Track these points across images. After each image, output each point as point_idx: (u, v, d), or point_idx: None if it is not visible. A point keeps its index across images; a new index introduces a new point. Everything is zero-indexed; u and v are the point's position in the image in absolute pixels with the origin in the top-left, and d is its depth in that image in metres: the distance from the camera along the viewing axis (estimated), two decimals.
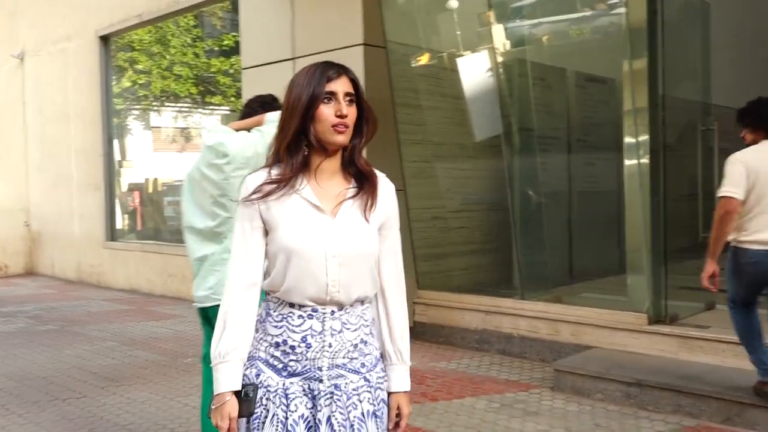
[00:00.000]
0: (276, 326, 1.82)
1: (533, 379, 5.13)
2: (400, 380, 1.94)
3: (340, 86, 1.78)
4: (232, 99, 10.51)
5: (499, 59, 6.81)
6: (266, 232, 1.83)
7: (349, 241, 1.79)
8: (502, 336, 5.87)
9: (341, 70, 1.81)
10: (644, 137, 5.25)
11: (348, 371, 1.82)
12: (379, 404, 1.86)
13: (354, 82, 1.81)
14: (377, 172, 1.90)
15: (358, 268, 1.80)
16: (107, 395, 4.95)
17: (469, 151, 7.31)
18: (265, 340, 1.83)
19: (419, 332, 6.41)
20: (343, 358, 1.81)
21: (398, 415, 1.92)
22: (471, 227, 7.21)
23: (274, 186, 1.78)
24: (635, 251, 5.35)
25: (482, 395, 4.73)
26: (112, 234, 10.84)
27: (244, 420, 1.82)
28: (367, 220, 1.82)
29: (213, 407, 1.79)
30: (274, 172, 1.80)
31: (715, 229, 3.95)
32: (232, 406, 1.79)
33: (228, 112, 11.36)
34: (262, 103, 3.40)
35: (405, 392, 1.93)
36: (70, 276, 11.44)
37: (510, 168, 6.52)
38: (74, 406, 4.71)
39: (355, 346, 1.83)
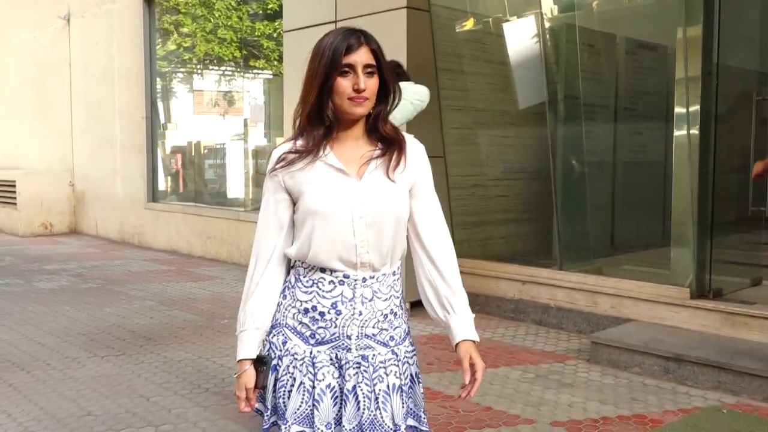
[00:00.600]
0: (306, 292, 1.81)
1: (569, 350, 5.09)
2: (466, 328, 1.89)
3: (359, 57, 1.73)
4: (276, 63, 10.47)
5: (546, 24, 6.66)
6: (293, 203, 1.83)
7: (375, 202, 1.77)
8: (538, 306, 5.83)
9: (362, 39, 1.75)
10: (695, 107, 5.09)
11: (376, 342, 1.80)
12: (406, 379, 1.84)
13: (375, 53, 1.76)
14: (405, 135, 1.87)
15: (385, 229, 1.78)
16: (145, 354, 5.05)
17: (512, 118, 7.21)
18: (294, 307, 1.82)
19: None
20: (373, 327, 1.80)
21: (472, 366, 1.86)
22: (511, 196, 7.14)
23: (297, 156, 1.77)
24: (681, 224, 5.23)
25: (516, 365, 4.71)
26: (154, 195, 10.99)
27: (271, 388, 1.83)
28: (393, 180, 1.79)
29: (234, 376, 1.84)
30: (299, 143, 1.79)
31: None
32: (249, 377, 1.82)
33: (271, 76, 11.34)
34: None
35: (473, 341, 1.88)
36: (112, 236, 11.66)
37: (553, 136, 6.41)
38: (113, 364, 4.82)
39: (385, 316, 1.82)
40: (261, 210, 1.85)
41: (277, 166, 1.79)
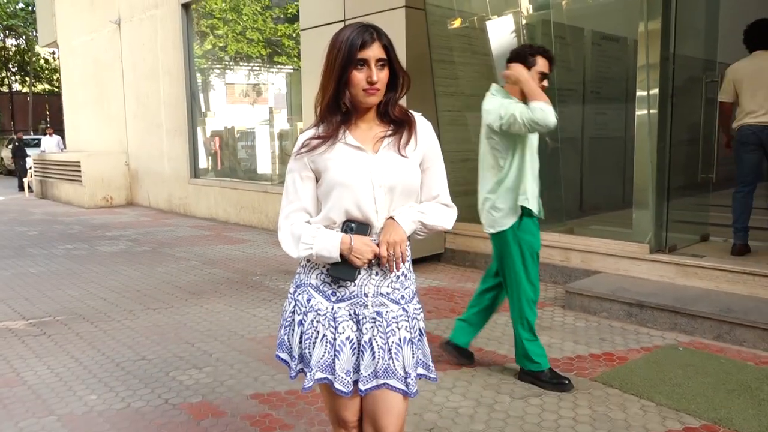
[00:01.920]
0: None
1: (547, 299, 4.99)
2: (399, 213, 1.73)
3: (372, 52, 1.65)
4: (295, 59, 10.32)
5: (524, 21, 6.49)
6: (316, 180, 1.75)
7: (391, 172, 1.70)
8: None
9: (375, 35, 1.67)
10: (654, 90, 4.94)
11: (389, 300, 1.74)
12: (415, 333, 1.78)
13: (386, 47, 1.67)
14: (414, 114, 1.80)
15: (400, 196, 1.72)
16: (190, 306, 4.98)
17: None
18: (317, 268, 1.76)
19: (449, 257, 6.32)
20: (387, 287, 1.73)
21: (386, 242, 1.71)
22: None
23: (319, 141, 1.71)
24: (641, 190, 5.10)
25: (503, 312, 4.59)
26: (195, 172, 10.89)
27: (297, 339, 1.75)
28: (405, 155, 1.73)
29: (346, 255, 1.66)
30: (321, 129, 1.72)
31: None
32: (360, 238, 1.67)
33: (291, 71, 11.17)
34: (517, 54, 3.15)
35: (394, 220, 1.71)
36: (162, 206, 11.57)
37: None
38: (163, 315, 4.76)
39: (397, 277, 1.76)
40: (287, 185, 1.77)
41: (302, 150, 1.72)
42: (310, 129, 1.76)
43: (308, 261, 1.78)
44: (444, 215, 1.80)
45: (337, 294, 1.72)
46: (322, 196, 1.74)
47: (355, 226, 1.67)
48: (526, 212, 3.17)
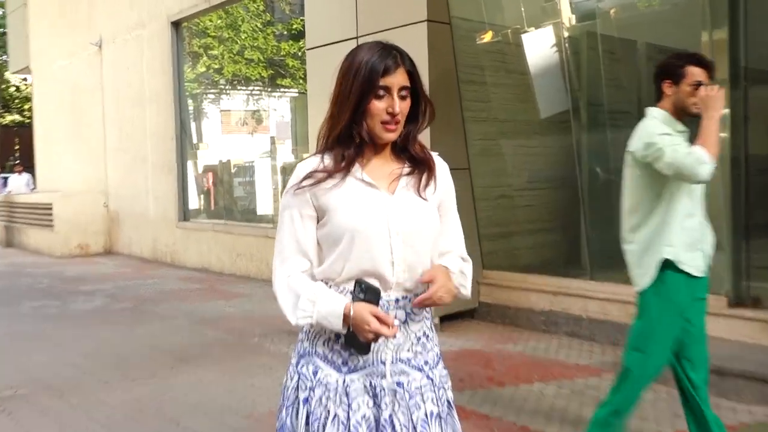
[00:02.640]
0: None
1: (604, 363, 4.86)
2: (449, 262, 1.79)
3: (395, 80, 1.67)
4: (301, 81, 10.42)
5: (566, 33, 6.51)
6: (317, 221, 1.74)
7: (411, 217, 1.72)
8: (570, 318, 5.62)
9: (399, 59, 1.69)
10: (724, 110, 4.84)
11: (411, 367, 1.73)
12: (443, 405, 1.75)
13: (410, 73, 1.70)
14: (430, 152, 1.82)
15: (421, 247, 1.73)
16: (176, 375, 4.93)
17: (535, 127, 7.05)
18: (323, 334, 1.74)
19: (484, 313, 6.23)
20: (408, 351, 1.73)
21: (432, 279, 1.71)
22: (538, 205, 6.98)
23: (325, 174, 1.70)
24: (713, 228, 4.96)
25: (551, 380, 4.50)
26: (185, 214, 10.97)
27: (303, 421, 1.71)
28: (425, 198, 1.75)
29: (351, 328, 1.64)
30: (327, 160, 1.72)
31: None
32: (363, 307, 1.63)
33: (296, 94, 11.28)
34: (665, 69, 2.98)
35: (448, 269, 1.75)
36: (145, 254, 11.64)
37: (578, 144, 6.25)
38: (144, 386, 4.69)
39: (419, 339, 1.76)
40: (282, 224, 1.75)
41: (304, 183, 1.70)
42: (312, 158, 1.75)
43: (312, 325, 1.73)
44: (469, 270, 1.84)
45: (350, 363, 1.70)
46: (326, 242, 1.72)
47: (365, 288, 1.64)
48: (673, 267, 2.95)
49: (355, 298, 1.64)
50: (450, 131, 6.05)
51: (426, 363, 1.75)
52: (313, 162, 1.73)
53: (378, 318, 1.60)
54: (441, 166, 1.82)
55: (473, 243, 6.07)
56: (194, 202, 11.29)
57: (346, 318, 1.63)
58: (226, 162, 11.05)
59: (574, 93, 6.33)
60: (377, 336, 1.61)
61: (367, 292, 1.64)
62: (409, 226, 1.70)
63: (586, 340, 5.47)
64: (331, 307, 1.64)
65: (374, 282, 1.68)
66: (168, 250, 11.06)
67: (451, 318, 6.09)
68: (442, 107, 5.90)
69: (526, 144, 7.02)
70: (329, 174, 1.69)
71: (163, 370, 5.05)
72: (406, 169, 1.76)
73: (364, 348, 1.66)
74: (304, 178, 1.70)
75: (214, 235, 10.03)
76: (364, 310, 1.61)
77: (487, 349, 5.31)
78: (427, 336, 1.78)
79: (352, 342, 1.66)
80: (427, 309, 1.78)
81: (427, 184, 1.75)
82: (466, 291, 1.80)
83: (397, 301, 1.71)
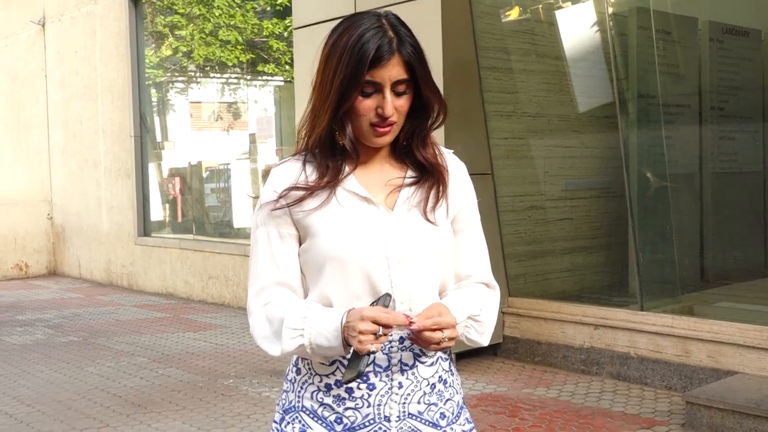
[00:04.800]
0: (324, 363, 1.70)
1: (658, 412, 4.85)
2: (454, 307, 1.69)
3: (388, 73, 1.60)
4: (287, 67, 10.45)
5: (610, 9, 6.52)
6: (300, 242, 1.72)
7: (416, 242, 1.68)
8: (615, 356, 5.62)
9: (395, 45, 1.61)
10: None
11: (424, 424, 1.71)
12: None
13: (409, 64, 1.62)
14: (444, 152, 1.78)
15: (430, 276, 1.70)
16: (132, 425, 4.91)
17: (573, 124, 7.10)
18: (311, 383, 1.72)
19: (510, 350, 6.23)
20: (418, 403, 1.70)
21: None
22: (576, 219, 7.01)
23: (307, 192, 1.67)
24: None
25: None
26: (146, 228, 10.99)
27: None
28: (434, 222, 1.70)
29: (346, 336, 1.57)
30: (309, 169, 1.70)
31: None
32: (359, 309, 1.57)
33: (282, 83, 11.32)
34: None
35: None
36: (97, 277, 11.66)
37: (626, 144, 6.24)
38: None
39: (433, 386, 1.73)
40: (256, 247, 1.73)
41: (281, 203, 1.68)
42: (291, 164, 1.73)
43: (299, 371, 1.75)
44: (493, 305, 1.80)
45: (345, 420, 1.68)
46: (308, 271, 1.71)
47: (377, 301, 1.61)
48: None
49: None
50: (469, 129, 6.04)
51: (443, 416, 1.73)
52: (292, 171, 1.71)
53: (378, 322, 1.53)
54: (457, 169, 1.79)
55: (497, 264, 6.01)
56: (157, 213, 11.31)
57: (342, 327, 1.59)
58: (196, 164, 11.06)
59: (621, 82, 6.31)
60: (373, 340, 1.54)
61: (378, 302, 1.61)
62: (414, 252, 1.67)
63: (634, 383, 5.46)
64: (326, 319, 1.60)
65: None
66: (125, 272, 11.07)
67: (470, 355, 6.07)
68: (458, 100, 5.96)
69: (561, 144, 7.03)
70: (311, 190, 1.67)
71: (117, 418, 5.03)
72: (409, 179, 1.72)
73: (353, 367, 1.56)
74: (282, 196, 1.68)
75: (181, 253, 10.04)
76: (359, 310, 1.56)
77: (514, 394, 5.29)
78: (445, 382, 1.75)
79: (350, 366, 1.59)
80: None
81: (436, 203, 1.71)
82: (481, 338, 1.75)
83: (401, 341, 1.67)
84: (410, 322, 1.56)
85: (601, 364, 5.70)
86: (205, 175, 11.05)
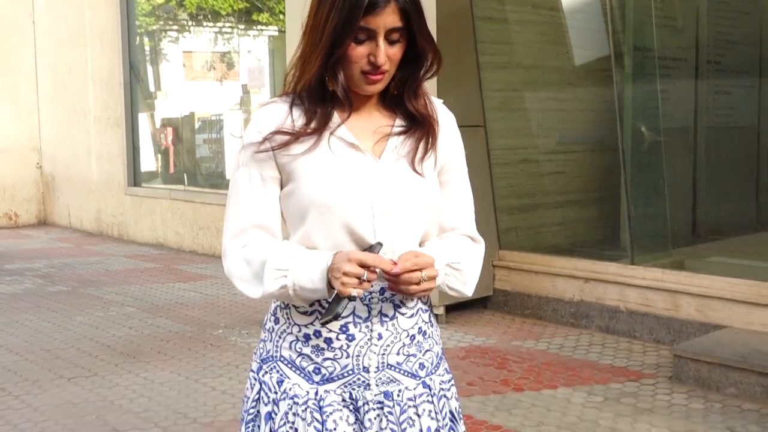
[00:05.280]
0: (305, 312, 1.70)
1: (645, 365, 4.89)
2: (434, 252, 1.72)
3: (383, 20, 1.59)
4: (281, 17, 10.33)
5: None
6: (281, 186, 1.71)
7: (402, 190, 1.68)
8: (605, 309, 5.67)
9: None
10: None
11: (403, 374, 1.72)
12: (444, 419, 1.76)
13: (404, 11, 1.61)
14: (433, 100, 1.77)
15: (414, 227, 1.70)
16: (121, 374, 4.94)
17: (568, 76, 7.08)
18: (290, 333, 1.73)
19: (500, 303, 6.27)
20: (398, 354, 1.72)
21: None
22: (569, 172, 7.02)
23: (292, 137, 1.66)
24: None
25: (580, 385, 4.53)
26: (136, 178, 10.96)
27: None
28: (421, 173, 1.70)
29: (330, 278, 1.57)
30: (296, 114, 1.68)
31: None
32: (346, 252, 1.58)
33: (276, 33, 11.23)
34: None
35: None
36: (88, 227, 11.65)
37: (621, 98, 6.22)
38: (81, 387, 4.70)
39: (412, 337, 1.74)
40: (236, 187, 1.73)
41: (266, 146, 1.67)
42: (277, 105, 1.71)
43: (277, 321, 1.75)
44: (476, 257, 1.82)
45: (323, 371, 1.69)
46: (290, 217, 1.72)
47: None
48: None
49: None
50: (462, 80, 6.01)
51: (422, 367, 1.74)
52: (278, 113, 1.69)
53: (364, 265, 1.54)
54: (446, 119, 1.78)
55: (488, 218, 6.09)
56: (148, 163, 11.26)
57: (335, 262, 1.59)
58: (188, 115, 11.01)
59: (617, 35, 6.31)
60: (357, 283, 1.54)
61: (367, 250, 1.62)
62: (400, 202, 1.67)
63: (623, 336, 5.50)
64: (313, 260, 1.60)
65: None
66: (115, 222, 11.06)
67: (459, 308, 6.11)
68: (452, 51, 5.89)
69: (556, 97, 7.02)
70: (298, 137, 1.66)
71: (106, 368, 5.05)
72: (398, 128, 1.72)
73: (332, 308, 1.57)
74: (267, 139, 1.67)
75: (172, 204, 10.03)
76: (346, 253, 1.57)
77: (503, 347, 5.33)
78: (424, 333, 1.76)
79: (330, 307, 1.59)
80: (423, 299, 1.76)
81: (425, 154, 1.71)
82: (464, 287, 1.77)
83: (382, 291, 1.68)
84: (394, 264, 1.57)
85: (591, 317, 5.75)
86: (197, 125, 11.02)
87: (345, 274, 1.53)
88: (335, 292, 1.56)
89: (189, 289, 7.45)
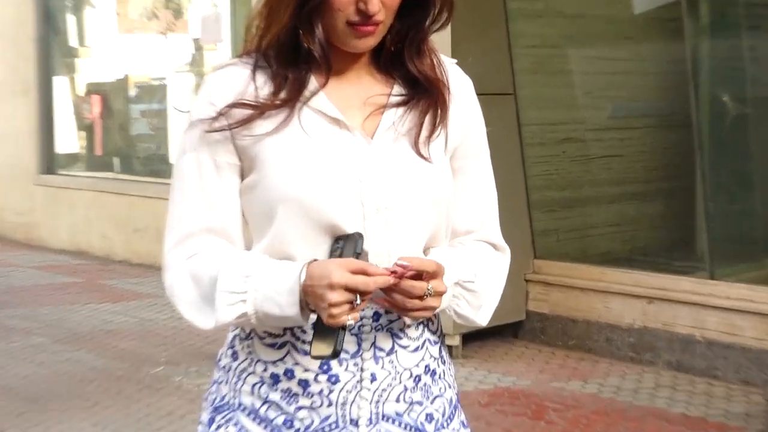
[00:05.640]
0: (272, 345, 1.70)
1: (730, 415, 4.90)
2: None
3: None
4: None
5: None
6: (242, 176, 1.71)
7: (403, 181, 1.68)
8: (676, 339, 5.68)
9: None
10: None
11: (404, 429, 1.73)
12: None
13: None
14: (444, 60, 1.75)
15: (418, 230, 1.71)
16: (25, 427, 4.92)
17: (625, 28, 7.15)
18: (253, 372, 1.72)
19: (535, 330, 6.28)
20: (397, 401, 1.72)
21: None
22: (627, 155, 7.06)
23: (259, 112, 1.66)
24: None
25: None
26: (50, 163, 11.01)
27: None
28: (427, 158, 1.69)
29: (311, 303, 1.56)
30: (260, 79, 1.69)
31: None
32: (325, 262, 1.57)
33: None
34: None
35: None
36: None
37: (695, 57, 6.27)
38: None
39: (417, 379, 1.74)
40: (180, 180, 1.73)
41: (221, 123, 1.66)
42: (235, 68, 1.71)
43: (235, 356, 1.75)
44: (497, 272, 1.82)
45: (296, 423, 1.69)
46: (254, 215, 1.72)
47: (343, 242, 1.62)
48: None
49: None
50: (484, 34, 6.01)
51: (430, 419, 1.76)
52: (236, 80, 1.69)
53: (354, 290, 1.51)
54: (460, 85, 1.78)
55: (518, 217, 6.05)
56: (67, 143, 11.34)
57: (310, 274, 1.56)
58: (121, 79, 11.11)
59: None
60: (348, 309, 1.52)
61: (346, 246, 1.60)
62: (399, 197, 1.68)
63: (700, 375, 5.52)
64: (278, 277, 1.58)
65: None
66: (21, 222, 11.09)
67: (481, 338, 6.10)
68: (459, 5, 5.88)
69: (608, 55, 7.08)
70: (264, 111, 1.66)
71: (5, 419, 5.03)
72: (396, 98, 1.72)
73: (324, 338, 1.55)
74: (222, 114, 1.66)
75: (98, 197, 10.07)
76: (324, 269, 1.53)
77: (540, 390, 5.35)
78: (433, 372, 1.77)
79: (319, 338, 1.58)
80: (431, 325, 1.77)
81: (432, 131, 1.70)
82: (476, 314, 1.76)
83: (376, 317, 1.68)
84: (392, 273, 1.55)
85: (657, 349, 5.76)
86: (133, 93, 11.15)
87: (332, 305, 1.50)
88: (316, 315, 1.56)
89: (120, 312, 7.44)
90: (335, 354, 1.54)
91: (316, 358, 1.58)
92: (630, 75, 7.15)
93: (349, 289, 1.51)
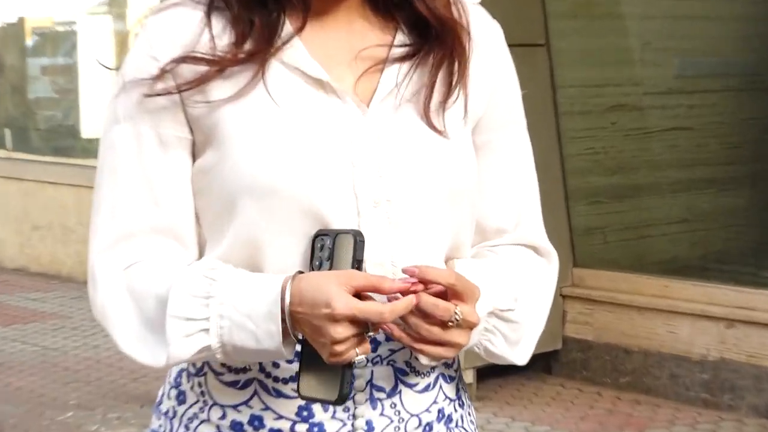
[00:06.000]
0: (234, 381, 1.69)
1: None
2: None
3: None
4: None
5: None
6: (194, 155, 1.70)
7: (410, 164, 1.68)
8: (764, 375, 5.69)
9: None
10: None
11: None
12: None
13: None
14: (464, 2, 1.74)
15: (431, 228, 1.70)
16: None
17: None
18: (206, 421, 1.71)
19: (574, 363, 6.33)
20: None
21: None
22: (698, 128, 7.11)
23: (216, 68, 1.64)
24: None
25: None
26: None
27: None
28: (441, 130, 1.66)
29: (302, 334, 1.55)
30: (218, 26, 1.68)
31: None
32: (320, 278, 1.54)
33: None
34: None
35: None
36: None
37: None
38: None
39: (427, 428, 1.76)
40: (113, 160, 1.69)
41: (165, 84, 1.63)
42: (181, 7, 1.68)
43: (182, 400, 1.74)
44: (543, 291, 1.82)
45: None
46: (209, 206, 1.70)
47: (332, 241, 1.59)
48: None
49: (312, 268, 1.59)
50: None
51: None
52: (185, 25, 1.67)
53: (363, 319, 1.49)
54: (486, 33, 1.78)
55: (553, 211, 6.00)
56: None
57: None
58: (15, 23, 11.25)
59: None
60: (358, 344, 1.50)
61: (338, 248, 1.57)
62: (405, 185, 1.67)
63: None
64: (253, 295, 1.54)
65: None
66: None
67: (501, 373, 6.14)
68: None
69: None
70: (223, 66, 1.64)
71: None
72: (400, 49, 1.71)
73: (329, 388, 1.55)
74: (167, 70, 1.64)
75: None
76: (318, 289, 1.49)
77: None
78: (449, 419, 1.79)
79: (311, 372, 1.57)
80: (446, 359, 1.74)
81: (448, 94, 1.69)
82: (513, 351, 1.75)
83: (373, 347, 1.65)
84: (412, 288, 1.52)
85: (739, 389, 5.78)
86: (30, 42, 11.33)
87: (335, 342, 1.47)
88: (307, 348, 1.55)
89: (13, 339, 7.48)
90: (342, 399, 1.54)
91: (306, 399, 1.59)
92: (700, 20, 7.18)
93: (355, 322, 1.47)
